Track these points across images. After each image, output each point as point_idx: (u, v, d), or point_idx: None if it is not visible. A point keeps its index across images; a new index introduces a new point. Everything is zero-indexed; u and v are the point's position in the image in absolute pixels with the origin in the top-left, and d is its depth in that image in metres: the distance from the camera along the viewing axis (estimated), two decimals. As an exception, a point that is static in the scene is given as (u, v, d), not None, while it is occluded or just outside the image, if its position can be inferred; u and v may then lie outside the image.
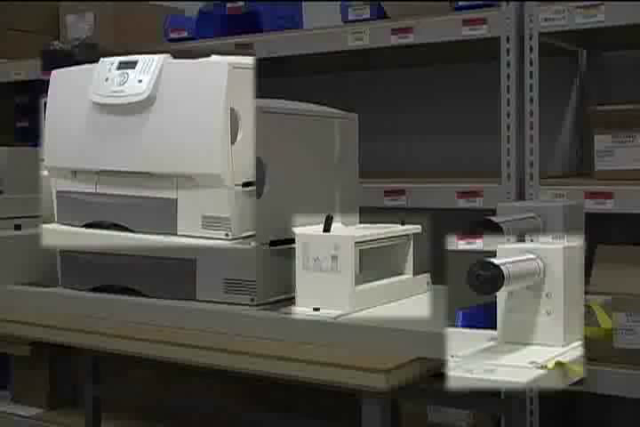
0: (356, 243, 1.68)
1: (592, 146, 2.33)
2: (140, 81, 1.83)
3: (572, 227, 1.64)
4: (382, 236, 1.81)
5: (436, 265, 1.83)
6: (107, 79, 1.87)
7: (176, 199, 1.82)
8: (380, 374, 1.37)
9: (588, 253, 1.81)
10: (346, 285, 1.65)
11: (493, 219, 1.52)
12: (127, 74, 1.86)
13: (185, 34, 3.02)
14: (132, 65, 1.86)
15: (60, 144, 1.99)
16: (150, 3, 3.53)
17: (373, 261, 1.84)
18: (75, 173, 1.97)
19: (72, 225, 1.98)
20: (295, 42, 2.71)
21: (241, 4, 2.88)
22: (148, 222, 1.86)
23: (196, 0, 3.14)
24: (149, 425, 2.61)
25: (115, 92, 1.85)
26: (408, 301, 1.83)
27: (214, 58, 1.84)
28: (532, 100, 2.32)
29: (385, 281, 1.82)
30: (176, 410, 2.51)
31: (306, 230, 1.72)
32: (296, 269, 1.69)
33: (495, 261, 1.43)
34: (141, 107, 1.82)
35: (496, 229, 1.51)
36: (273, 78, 3.26)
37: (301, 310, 1.65)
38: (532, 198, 2.31)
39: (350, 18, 2.63)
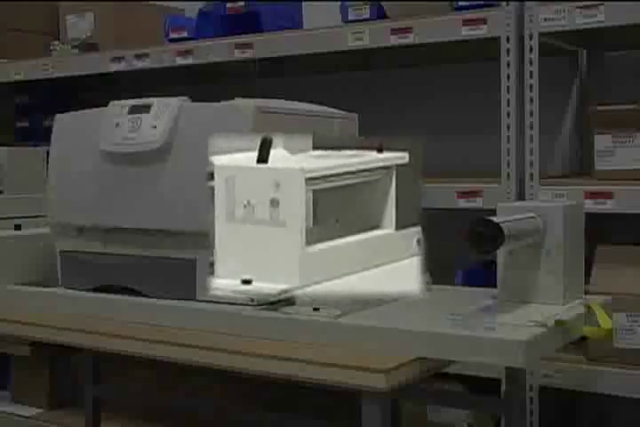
0: (308, 179, 1.22)
1: (592, 146, 2.33)
2: (155, 127, 1.65)
3: (572, 227, 1.64)
4: (348, 168, 1.34)
5: (436, 265, 1.82)
6: (117, 124, 1.70)
7: (195, 259, 1.66)
8: (379, 374, 1.37)
9: (587, 253, 1.80)
10: (292, 243, 1.24)
11: (493, 219, 1.52)
12: (140, 119, 1.68)
13: (185, 34, 3.02)
14: (146, 109, 1.69)
15: (64, 197, 1.83)
16: (150, 3, 3.54)
17: (335, 209, 1.43)
18: (81, 229, 1.83)
19: (78, 289, 1.86)
20: (295, 42, 2.71)
21: (241, 4, 2.87)
22: (163, 286, 1.70)
23: (196, 0, 3.14)
24: (149, 425, 2.61)
25: (126, 139, 1.68)
26: (387, 269, 1.47)
27: (238, 101, 1.67)
28: (532, 100, 2.32)
29: (353, 239, 1.45)
30: (176, 410, 2.51)
31: (231, 160, 1.28)
32: (215, 220, 1.28)
33: (495, 219, 1.42)
34: (156, 156, 1.65)
35: (496, 229, 1.51)
36: (273, 78, 3.28)
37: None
38: (532, 198, 2.30)
39: (350, 18, 2.63)
